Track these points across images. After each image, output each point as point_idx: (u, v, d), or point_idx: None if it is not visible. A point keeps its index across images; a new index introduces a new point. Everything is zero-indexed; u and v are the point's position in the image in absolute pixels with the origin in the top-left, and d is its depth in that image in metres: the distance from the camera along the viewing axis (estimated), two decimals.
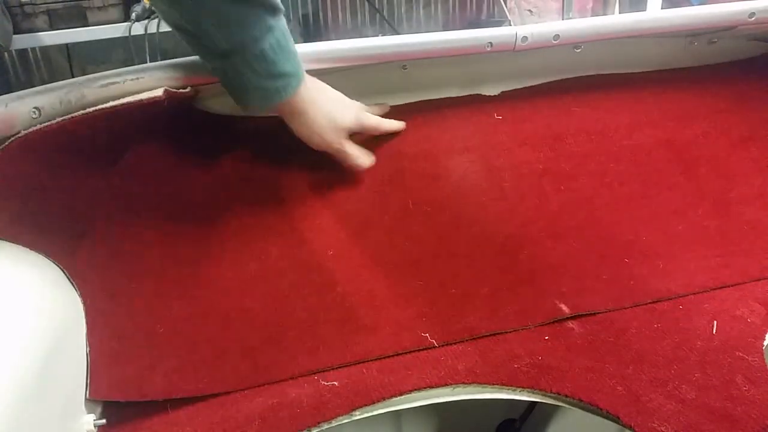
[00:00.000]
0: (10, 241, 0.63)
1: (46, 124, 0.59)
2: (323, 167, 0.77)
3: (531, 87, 0.85)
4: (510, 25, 2.35)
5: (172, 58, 0.66)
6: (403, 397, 0.63)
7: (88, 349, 0.64)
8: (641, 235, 0.78)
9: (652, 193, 0.81)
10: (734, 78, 0.90)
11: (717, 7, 0.78)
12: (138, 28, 1.87)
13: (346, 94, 0.73)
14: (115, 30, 1.88)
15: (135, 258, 0.70)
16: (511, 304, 0.73)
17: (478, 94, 0.84)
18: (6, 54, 2.11)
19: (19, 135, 0.59)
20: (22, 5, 1.77)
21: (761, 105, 0.89)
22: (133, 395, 0.64)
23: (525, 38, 0.74)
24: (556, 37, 0.75)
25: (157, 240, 0.71)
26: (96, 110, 0.60)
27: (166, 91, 0.63)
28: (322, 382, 0.65)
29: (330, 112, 0.70)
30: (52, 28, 1.84)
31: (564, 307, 0.73)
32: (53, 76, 2.21)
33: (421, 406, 0.63)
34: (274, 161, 0.77)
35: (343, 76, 0.74)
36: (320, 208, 0.76)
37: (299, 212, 0.75)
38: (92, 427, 0.60)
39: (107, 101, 0.61)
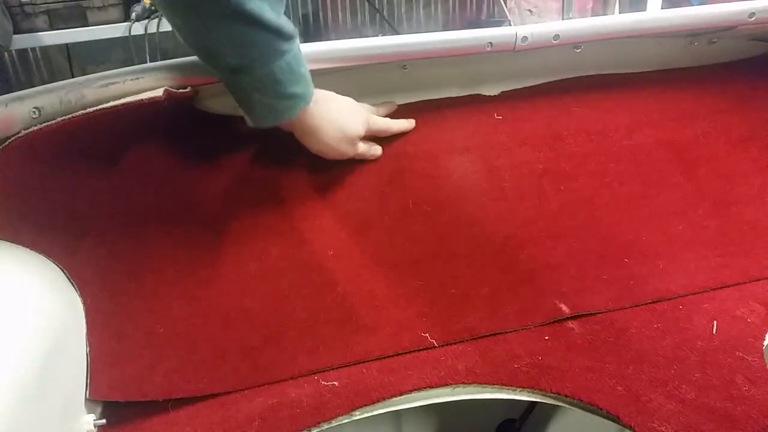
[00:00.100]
0: (10, 241, 0.63)
1: (46, 124, 0.59)
2: (323, 167, 0.77)
3: (531, 87, 0.85)
4: (510, 25, 2.35)
5: (172, 58, 0.66)
6: (403, 397, 0.63)
7: (88, 349, 0.64)
8: (641, 235, 0.78)
9: (652, 193, 0.81)
10: (734, 78, 0.90)
11: (717, 7, 0.78)
12: (138, 28, 1.87)
13: (346, 95, 0.73)
14: (115, 30, 1.88)
15: (135, 258, 0.70)
16: (511, 304, 0.73)
17: (478, 94, 0.84)
18: (6, 54, 2.10)
19: (19, 135, 0.59)
20: (22, 5, 1.77)
21: (761, 105, 0.89)
22: (133, 395, 0.64)
23: (525, 38, 0.74)
24: (556, 37, 0.75)
25: (157, 240, 0.71)
26: (96, 110, 0.60)
27: (166, 91, 0.63)
28: (322, 382, 0.65)
29: (340, 125, 0.71)
30: (52, 28, 1.84)
31: (564, 307, 0.72)
32: (53, 76, 2.21)
33: (421, 406, 0.63)
34: (274, 161, 0.77)
35: (343, 76, 0.74)
36: (320, 208, 0.76)
37: (299, 212, 0.75)
38: (92, 427, 0.60)
39: (107, 101, 0.61)
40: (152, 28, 1.87)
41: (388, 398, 0.63)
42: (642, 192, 0.81)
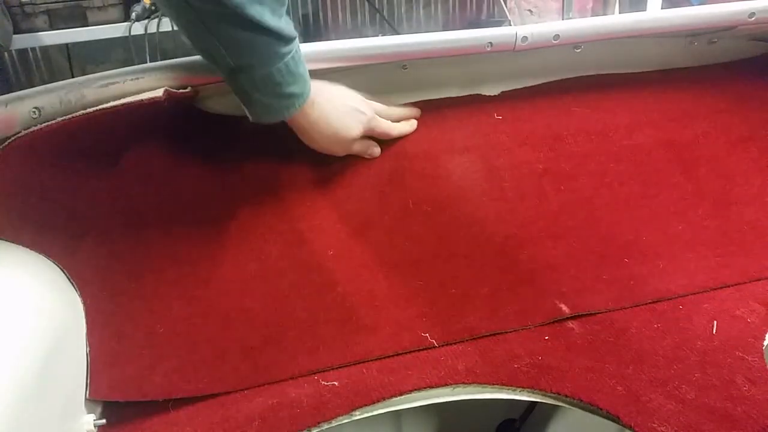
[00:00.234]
0: (10, 241, 0.63)
1: (46, 124, 0.59)
2: (323, 167, 0.77)
3: (531, 87, 0.85)
4: (510, 25, 2.35)
5: (172, 58, 0.66)
6: (403, 397, 0.63)
7: (88, 349, 0.64)
8: (641, 235, 0.78)
9: (652, 193, 0.81)
10: (734, 78, 0.90)
11: (717, 7, 0.78)
12: (138, 28, 1.87)
13: None
14: (115, 30, 1.88)
15: (135, 258, 0.70)
16: (511, 304, 0.73)
17: (478, 94, 0.84)
18: (6, 54, 2.10)
19: (19, 135, 0.59)
20: (22, 5, 1.77)
21: (761, 105, 0.89)
22: (133, 395, 0.64)
23: (525, 38, 0.74)
24: (556, 37, 0.75)
25: (157, 240, 0.71)
26: (96, 110, 0.60)
27: (166, 91, 0.63)
28: (322, 382, 0.65)
29: (334, 127, 0.71)
30: (52, 28, 1.84)
31: (564, 307, 0.73)
32: (53, 76, 2.21)
33: (421, 406, 0.63)
34: (274, 161, 0.77)
35: (343, 76, 0.74)
36: (320, 208, 0.76)
37: (299, 212, 0.75)
38: (92, 427, 0.60)
39: (107, 101, 0.61)
40: (152, 28, 1.87)
41: (388, 398, 0.63)
42: (642, 192, 0.81)
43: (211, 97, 0.76)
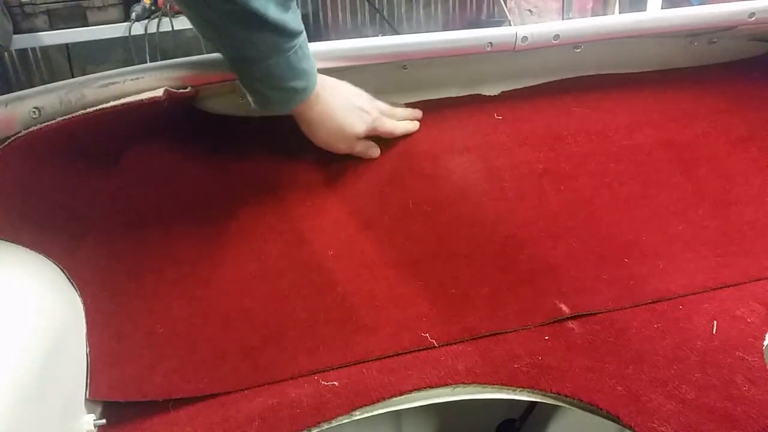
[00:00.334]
0: (10, 241, 0.63)
1: (46, 124, 0.59)
2: (323, 167, 0.77)
3: (531, 87, 0.85)
4: (510, 25, 2.36)
5: (172, 58, 0.66)
6: (403, 397, 0.63)
7: (88, 349, 0.64)
8: (641, 235, 0.78)
9: (652, 193, 0.81)
10: (734, 78, 0.90)
11: (717, 7, 0.78)
12: (138, 28, 1.87)
13: None
14: (115, 30, 1.88)
15: (135, 258, 0.70)
16: (511, 304, 0.73)
17: (478, 94, 0.84)
18: (6, 54, 2.11)
19: (19, 135, 0.59)
20: (22, 5, 1.78)
21: (761, 105, 0.89)
22: (133, 395, 0.64)
23: (525, 38, 0.74)
24: (556, 37, 0.75)
25: (157, 240, 0.71)
26: (96, 110, 0.60)
27: (166, 91, 0.63)
28: (322, 382, 0.65)
29: (339, 124, 0.71)
30: (52, 28, 1.84)
31: (564, 307, 0.72)
32: (53, 76, 2.22)
33: (421, 406, 0.63)
34: (274, 161, 0.77)
35: (343, 76, 0.74)
36: (320, 208, 0.76)
37: (299, 212, 0.75)
38: (92, 427, 0.60)
39: (107, 101, 0.61)
40: (152, 28, 1.88)
41: (388, 398, 0.63)
42: (642, 192, 0.81)
43: (211, 97, 0.76)
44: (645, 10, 2.26)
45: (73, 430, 0.59)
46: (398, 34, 2.40)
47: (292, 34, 0.61)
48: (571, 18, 2.47)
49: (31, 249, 0.64)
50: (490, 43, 0.73)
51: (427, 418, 0.96)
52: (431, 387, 0.64)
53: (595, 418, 0.61)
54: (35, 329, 0.56)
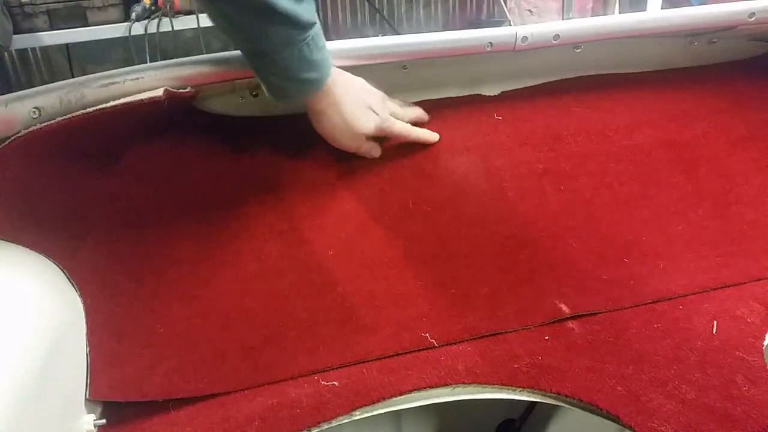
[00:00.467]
0: (10, 241, 0.63)
1: (46, 123, 0.59)
2: (323, 167, 0.77)
3: (531, 87, 0.85)
4: (510, 25, 2.36)
5: (172, 58, 0.66)
6: (403, 397, 0.63)
7: (88, 349, 0.64)
8: (641, 235, 0.78)
9: (652, 193, 0.81)
10: (734, 78, 0.90)
11: (717, 7, 0.78)
12: (138, 28, 1.87)
13: None
14: (115, 30, 1.88)
15: (135, 258, 0.70)
16: (511, 304, 0.73)
17: (478, 94, 0.84)
18: (6, 54, 2.11)
19: (19, 135, 0.59)
20: (22, 5, 1.78)
21: (761, 105, 0.89)
22: (133, 395, 0.64)
23: (525, 38, 0.74)
24: (556, 37, 0.75)
25: (157, 240, 0.71)
26: (96, 110, 0.60)
27: (166, 91, 0.63)
28: (322, 382, 0.65)
29: (347, 120, 0.71)
30: (52, 28, 1.84)
31: (564, 307, 0.72)
32: (53, 76, 2.22)
33: (421, 406, 0.63)
34: (274, 161, 0.77)
35: None
36: (320, 208, 0.76)
37: (299, 212, 0.75)
38: (92, 427, 0.60)
39: (107, 101, 0.61)
40: (152, 28, 1.87)
41: (388, 398, 0.63)
42: (642, 192, 0.81)
43: (211, 97, 0.76)
44: (645, 10, 2.26)
45: (73, 430, 0.59)
46: (398, 34, 2.40)
47: (305, 26, 0.61)
48: (571, 18, 2.47)
49: (31, 249, 0.64)
50: (490, 43, 0.73)
51: (427, 418, 0.96)
52: (431, 387, 0.64)
53: (595, 418, 0.61)
54: (35, 329, 0.56)
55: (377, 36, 1.94)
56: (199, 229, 0.73)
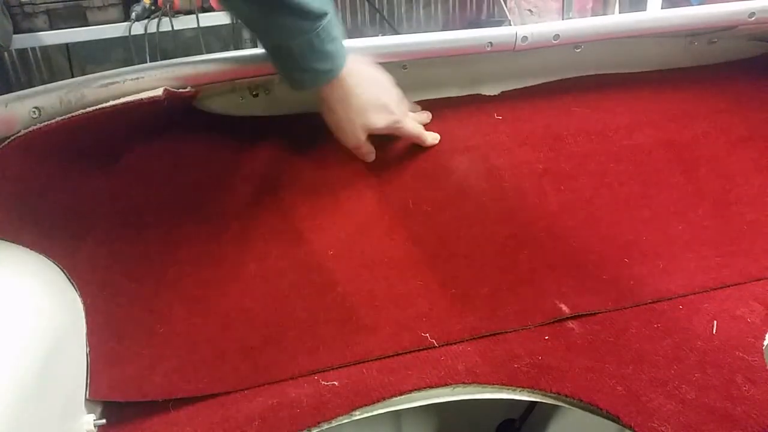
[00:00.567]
0: (10, 241, 0.63)
1: (46, 123, 0.59)
2: (323, 167, 0.77)
3: (531, 87, 0.85)
4: (510, 25, 2.36)
5: (172, 58, 0.66)
6: (403, 397, 0.63)
7: (88, 349, 0.64)
8: (641, 235, 0.78)
9: (652, 194, 0.81)
10: (734, 78, 0.90)
11: (717, 7, 0.78)
12: (138, 28, 1.87)
13: None
14: (115, 30, 1.88)
15: (135, 258, 0.70)
16: (511, 304, 0.73)
17: (478, 94, 0.84)
18: (6, 54, 2.11)
19: (19, 135, 0.59)
20: (22, 5, 1.78)
21: (761, 105, 0.89)
22: (133, 395, 0.64)
23: (525, 38, 0.74)
24: (556, 37, 0.75)
25: (157, 240, 0.71)
26: (96, 110, 0.60)
27: (166, 91, 0.63)
28: (322, 382, 0.65)
29: (359, 112, 0.70)
30: (52, 28, 1.84)
31: (564, 307, 0.72)
32: (53, 76, 2.22)
33: (421, 406, 0.63)
34: (273, 161, 0.77)
35: None
36: (320, 208, 0.76)
37: (299, 212, 0.75)
38: (92, 427, 0.60)
39: (107, 101, 0.62)
40: (152, 28, 1.87)
41: (388, 398, 0.63)
42: (642, 192, 0.81)
43: (211, 97, 0.76)
44: (645, 10, 2.26)
45: (73, 430, 0.59)
46: (398, 34, 2.40)
47: (316, 16, 0.61)
48: (571, 18, 2.47)
49: (31, 249, 0.64)
50: (490, 43, 0.73)
51: (427, 418, 0.96)
52: (431, 387, 0.64)
53: (595, 418, 0.61)
54: (35, 329, 0.56)
55: (377, 36, 1.94)
56: (199, 229, 0.72)
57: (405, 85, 0.81)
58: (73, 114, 0.60)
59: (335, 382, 0.65)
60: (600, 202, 0.80)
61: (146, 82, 0.63)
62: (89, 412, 0.62)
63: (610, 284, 0.75)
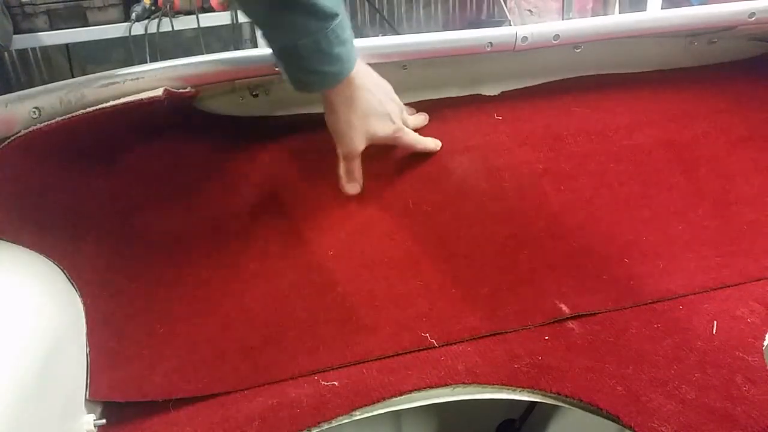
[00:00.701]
0: (10, 241, 0.63)
1: (46, 123, 0.59)
2: (323, 167, 0.77)
3: (531, 87, 0.85)
4: (510, 25, 2.36)
5: (172, 58, 0.66)
6: (403, 397, 0.63)
7: (88, 349, 0.64)
8: (641, 235, 0.78)
9: (652, 193, 0.81)
10: (734, 78, 0.90)
11: (717, 7, 0.78)
12: (138, 28, 1.87)
13: None
14: (115, 30, 1.88)
15: (135, 258, 0.70)
16: (511, 304, 0.73)
17: (478, 94, 0.84)
18: (6, 54, 2.11)
19: (19, 135, 0.59)
20: (22, 5, 1.78)
21: (761, 105, 0.89)
22: (133, 395, 0.64)
23: (525, 38, 0.74)
24: (556, 37, 0.75)
25: (157, 240, 0.71)
26: (96, 110, 0.60)
27: (166, 91, 0.63)
28: (322, 382, 0.65)
29: (362, 119, 0.69)
30: (52, 28, 1.84)
31: (564, 307, 0.72)
32: (53, 76, 2.22)
33: (421, 406, 0.63)
34: (274, 161, 0.77)
35: None
36: (320, 207, 0.76)
37: (299, 212, 0.75)
38: (92, 427, 0.60)
39: (107, 101, 0.62)
40: (152, 28, 1.88)
41: (388, 398, 0.63)
42: (642, 192, 0.81)
43: (211, 97, 0.76)
44: (645, 10, 2.27)
45: (73, 430, 0.59)
46: (398, 34, 2.40)
47: (324, 16, 0.59)
48: (571, 18, 2.47)
49: (31, 249, 0.64)
50: (490, 43, 0.73)
51: (427, 418, 0.96)
52: (431, 387, 0.64)
53: (595, 418, 0.61)
54: (35, 329, 0.56)
55: (377, 36, 1.94)
56: (198, 229, 0.73)
57: (405, 85, 0.81)
58: (73, 114, 0.60)
59: (335, 382, 0.65)
60: (600, 202, 0.80)
61: (146, 82, 0.63)
62: (89, 412, 0.62)
63: (610, 284, 0.75)
